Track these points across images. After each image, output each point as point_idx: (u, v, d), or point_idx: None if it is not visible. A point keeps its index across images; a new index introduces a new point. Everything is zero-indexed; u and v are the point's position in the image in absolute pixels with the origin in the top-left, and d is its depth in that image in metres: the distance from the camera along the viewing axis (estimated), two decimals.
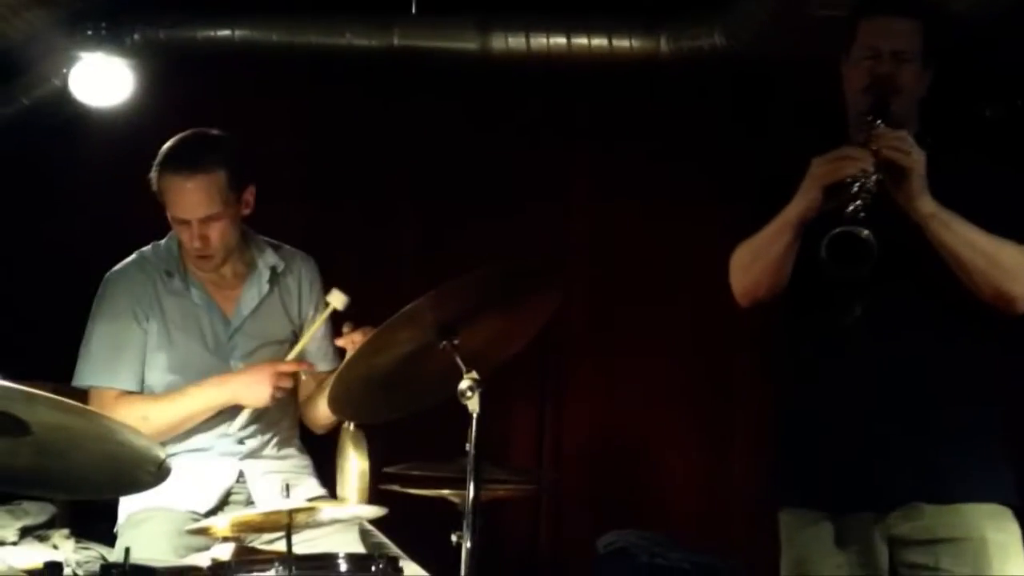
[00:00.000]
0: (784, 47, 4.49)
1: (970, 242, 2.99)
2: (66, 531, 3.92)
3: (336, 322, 3.75)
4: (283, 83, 5.04)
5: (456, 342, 3.08)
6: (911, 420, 3.03)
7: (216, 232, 3.71)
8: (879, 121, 3.02)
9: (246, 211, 3.81)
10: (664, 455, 4.69)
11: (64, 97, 4.74)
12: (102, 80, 4.68)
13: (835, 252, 2.87)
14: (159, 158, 3.72)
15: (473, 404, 3.02)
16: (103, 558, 3.67)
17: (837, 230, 2.87)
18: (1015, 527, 3.07)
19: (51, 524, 4.05)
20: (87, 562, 3.60)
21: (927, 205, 2.98)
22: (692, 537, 4.47)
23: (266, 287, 3.88)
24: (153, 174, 3.72)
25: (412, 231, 5.04)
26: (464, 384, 3.02)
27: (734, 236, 4.62)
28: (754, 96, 4.78)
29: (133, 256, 3.88)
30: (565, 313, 4.76)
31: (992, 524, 3.04)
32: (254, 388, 3.69)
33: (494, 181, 4.99)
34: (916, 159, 2.97)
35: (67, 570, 3.17)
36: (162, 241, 3.88)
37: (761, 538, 4.42)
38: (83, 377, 3.79)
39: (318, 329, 3.85)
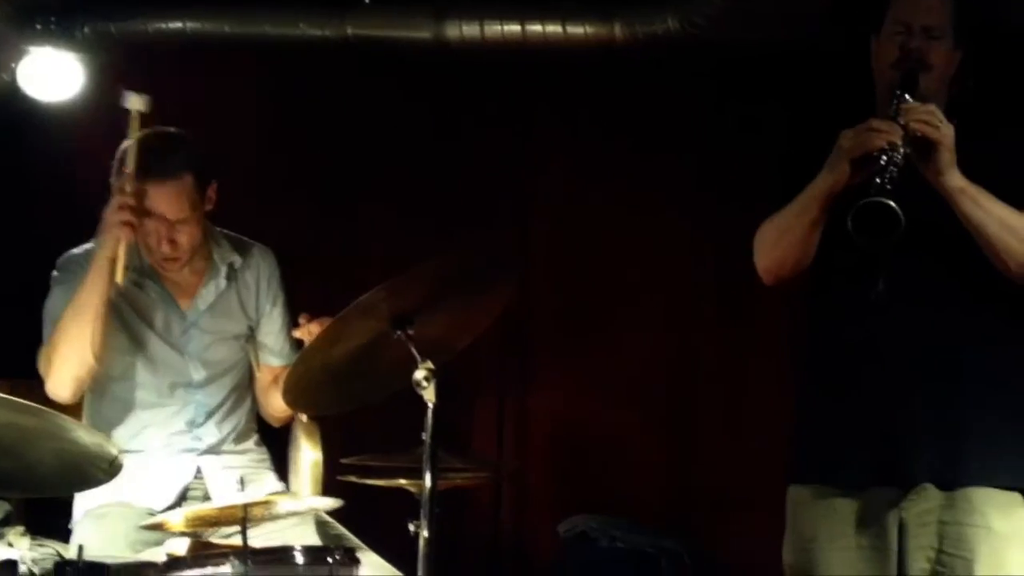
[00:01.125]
0: (739, 32, 4.49)
1: (999, 218, 2.98)
2: (21, 528, 3.87)
3: (294, 313, 3.74)
4: (236, 75, 5.00)
5: (411, 332, 3.08)
6: (933, 398, 3.01)
7: (185, 236, 3.69)
8: (907, 95, 3.00)
9: (209, 207, 3.78)
10: (626, 444, 4.69)
11: (13, 92, 4.69)
12: (52, 74, 4.63)
13: (862, 223, 2.84)
14: (126, 162, 3.64)
15: (429, 394, 3.02)
16: (59, 555, 3.63)
17: (865, 200, 2.84)
18: (1023, 514, 3.05)
19: (6, 522, 4.01)
20: (43, 559, 3.55)
21: (956, 179, 2.96)
22: (654, 523, 4.47)
23: (224, 283, 3.86)
24: (120, 177, 3.65)
25: (368, 222, 5.02)
26: (419, 374, 3.02)
27: (696, 221, 4.68)
28: (713, 81, 4.77)
29: (89, 244, 3.79)
30: (528, 302, 4.77)
31: (999, 512, 3.02)
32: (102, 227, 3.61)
33: (452, 170, 4.98)
34: (945, 132, 2.95)
35: (23, 568, 3.17)
36: None
37: (722, 526, 4.49)
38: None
39: (275, 325, 3.85)
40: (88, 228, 3.84)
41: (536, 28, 4.68)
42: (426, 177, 4.99)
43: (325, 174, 5.05)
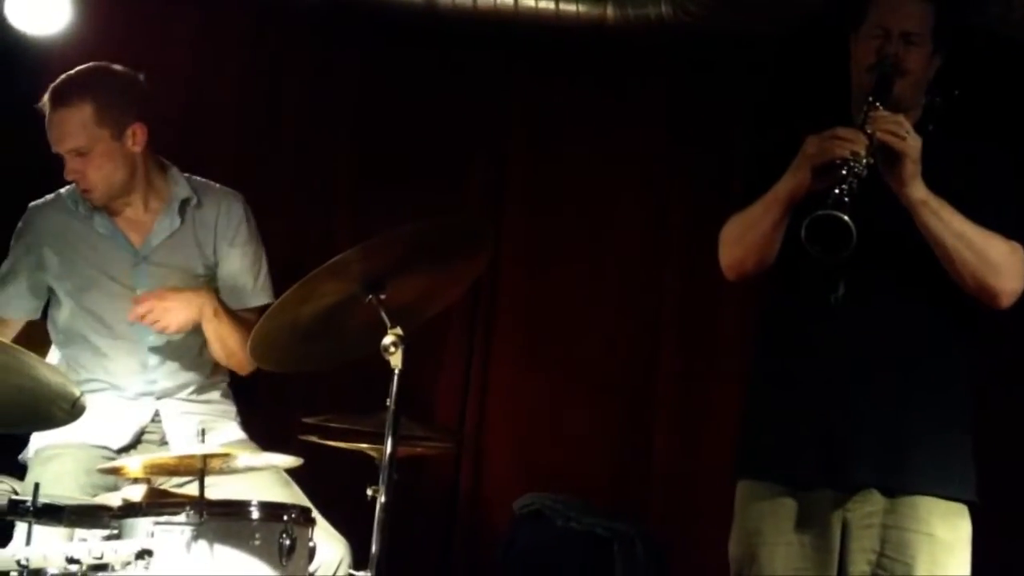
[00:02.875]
0: (732, 21, 4.49)
1: (958, 233, 2.99)
2: None
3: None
4: (226, 26, 4.96)
5: (382, 297, 3.07)
6: (881, 404, 3.04)
7: (91, 166, 3.71)
8: (878, 103, 3.00)
9: (136, 148, 3.77)
10: (585, 424, 4.69)
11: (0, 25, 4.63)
12: (39, 7, 4.57)
13: (814, 234, 2.86)
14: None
15: (396, 360, 3.02)
16: (14, 491, 3.62)
17: (817, 213, 2.86)
18: (966, 525, 3.08)
19: None
20: None
21: (918, 191, 2.98)
22: (608, 505, 4.49)
23: (177, 220, 3.85)
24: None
25: (348, 182, 5.00)
26: (388, 339, 3.02)
27: (671, 207, 4.68)
28: (700, 69, 4.76)
29: (52, 194, 3.88)
30: (497, 276, 4.76)
31: (943, 522, 3.04)
32: None
33: (433, 135, 4.95)
34: (911, 144, 2.96)
35: None
36: None
37: (677, 511, 4.51)
38: None
39: (234, 265, 3.86)
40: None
41: (529, 3, 4.66)
42: (405, 140, 4.96)
43: (305, 133, 5.01)
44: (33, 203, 3.89)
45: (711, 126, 4.72)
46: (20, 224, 3.87)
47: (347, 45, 4.96)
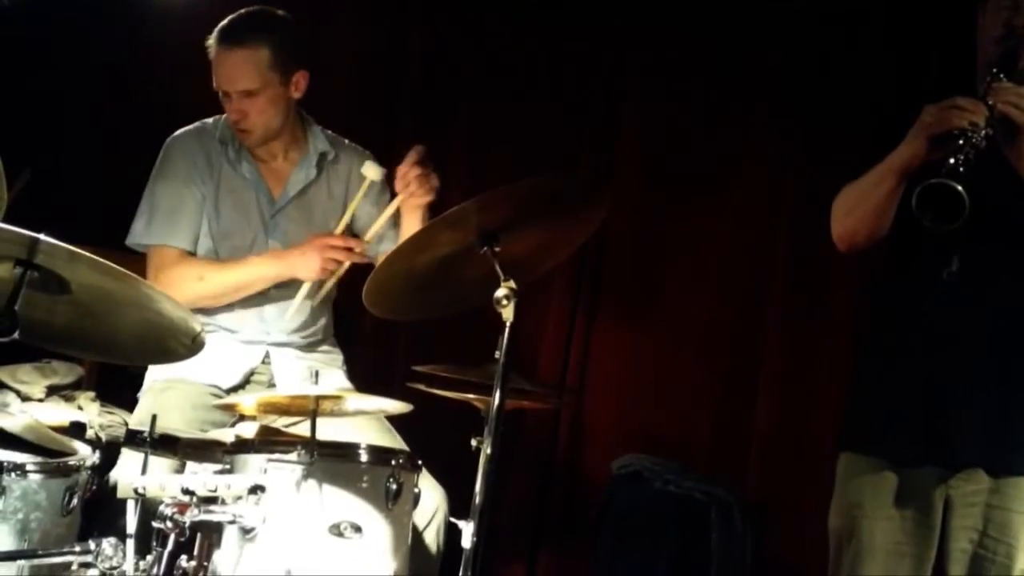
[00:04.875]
0: None
1: None
2: (92, 394, 3.97)
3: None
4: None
5: (497, 249, 3.08)
6: (991, 382, 3.01)
7: (255, 108, 3.75)
8: (1002, 75, 2.95)
9: (296, 95, 3.83)
10: (688, 386, 4.66)
11: None
12: None
13: (925, 204, 2.80)
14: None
15: (508, 312, 3.02)
16: (125, 423, 3.72)
17: (930, 181, 2.81)
18: None
19: (78, 386, 4.10)
20: (110, 426, 3.64)
21: None
22: (708, 470, 4.48)
23: (314, 171, 3.90)
24: (207, 47, 3.78)
25: (462, 132, 5.01)
26: (501, 292, 3.01)
27: (784, 178, 4.59)
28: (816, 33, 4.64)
29: (195, 124, 3.93)
30: (606, 230, 4.71)
31: None
32: (306, 260, 3.73)
33: (545, 83, 4.92)
34: None
35: (90, 432, 3.23)
36: (224, 115, 3.89)
37: (777, 478, 4.47)
38: (141, 236, 3.83)
39: (360, 207, 3.86)
40: (188, 111, 3.92)
41: None
42: (515, 88, 4.94)
43: (424, 84, 5.03)
44: (179, 133, 3.91)
45: (824, 100, 4.59)
46: (164, 154, 3.88)
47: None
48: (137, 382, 3.87)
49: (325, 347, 3.97)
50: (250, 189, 3.87)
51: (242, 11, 3.80)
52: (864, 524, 3.10)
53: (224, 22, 3.78)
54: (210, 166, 3.84)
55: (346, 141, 4.03)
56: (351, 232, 3.89)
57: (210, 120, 3.92)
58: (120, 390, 4.00)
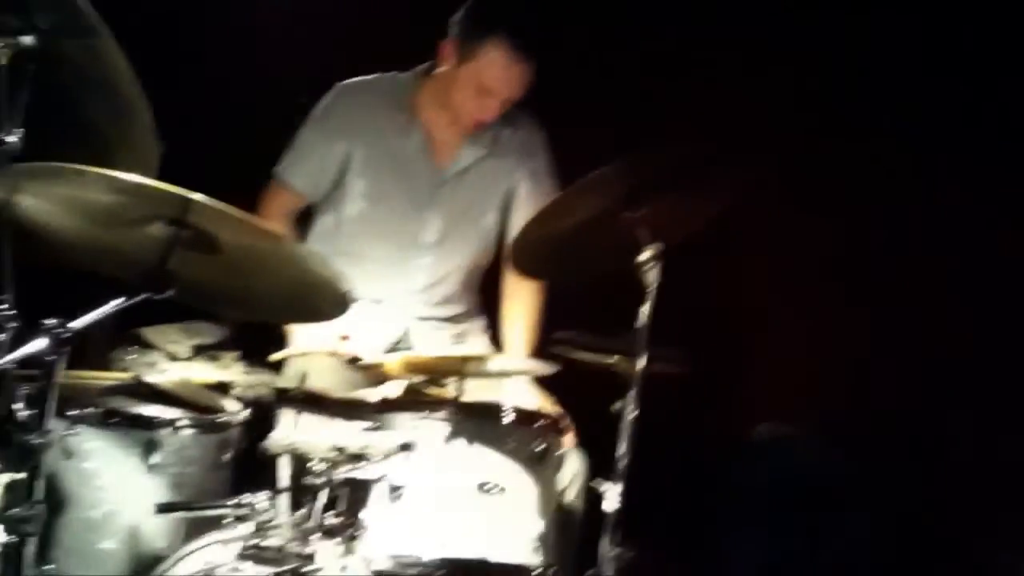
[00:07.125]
0: None
1: None
2: (236, 354, 4.02)
3: None
4: None
5: (640, 214, 3.06)
6: None
7: (502, 109, 3.70)
8: None
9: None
10: (828, 359, 4.58)
11: None
12: None
13: None
14: (498, 17, 3.63)
15: (651, 277, 3.02)
16: (271, 384, 3.76)
17: None
18: None
19: (222, 346, 4.16)
20: (256, 385, 3.69)
21: None
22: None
23: (484, 151, 3.84)
24: (471, 29, 3.64)
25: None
26: (644, 256, 3.01)
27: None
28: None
29: (368, 78, 3.84)
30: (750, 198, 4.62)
31: None
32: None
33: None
34: None
35: (236, 390, 3.28)
36: (404, 74, 3.83)
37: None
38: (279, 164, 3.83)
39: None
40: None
41: None
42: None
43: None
44: (349, 83, 3.82)
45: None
46: (327, 99, 3.80)
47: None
48: (280, 345, 3.92)
49: (469, 311, 3.97)
50: (416, 159, 3.80)
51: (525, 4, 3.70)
52: None
53: (514, 17, 3.62)
54: (374, 125, 3.77)
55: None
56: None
57: (387, 76, 3.83)
58: (262, 352, 4.05)
